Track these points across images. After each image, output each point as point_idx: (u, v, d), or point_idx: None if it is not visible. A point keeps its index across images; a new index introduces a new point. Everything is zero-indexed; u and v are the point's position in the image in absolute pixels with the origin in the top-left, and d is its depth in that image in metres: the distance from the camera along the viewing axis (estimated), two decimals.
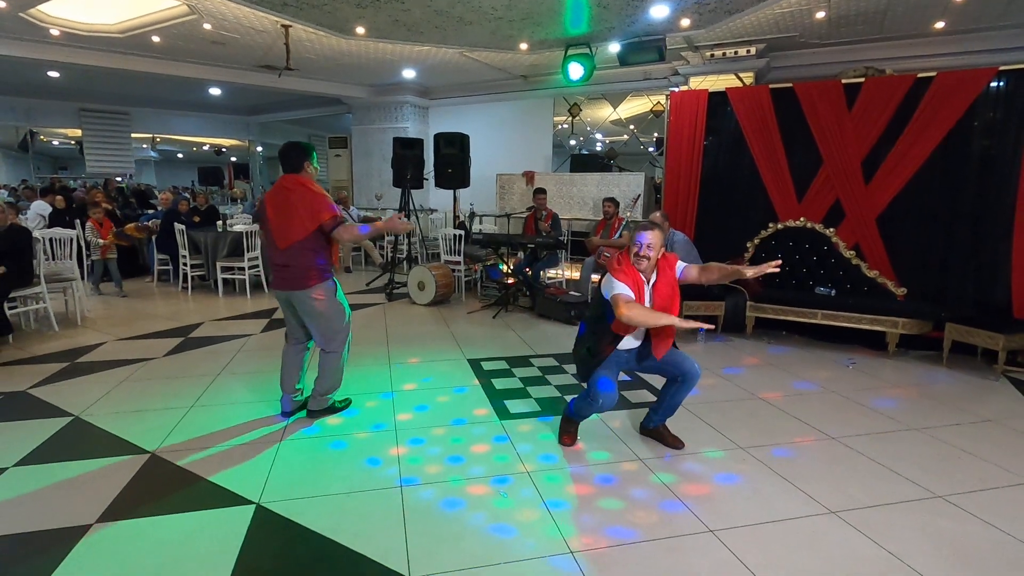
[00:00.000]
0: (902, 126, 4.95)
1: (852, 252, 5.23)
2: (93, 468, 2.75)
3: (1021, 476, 2.81)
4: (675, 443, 3.08)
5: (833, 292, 5.17)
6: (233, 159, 19.70)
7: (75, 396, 3.64)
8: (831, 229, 5.31)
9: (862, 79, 5.17)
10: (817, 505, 2.52)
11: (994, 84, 4.67)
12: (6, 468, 2.74)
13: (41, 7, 6.20)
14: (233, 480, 2.64)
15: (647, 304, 2.77)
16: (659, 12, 5.40)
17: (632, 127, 10.50)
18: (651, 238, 2.75)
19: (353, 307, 3.55)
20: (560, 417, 3.20)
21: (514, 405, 3.63)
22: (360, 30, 6.19)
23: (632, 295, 2.65)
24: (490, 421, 3.38)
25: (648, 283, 2.81)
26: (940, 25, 6.24)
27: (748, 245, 5.64)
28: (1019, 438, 3.27)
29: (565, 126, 10.59)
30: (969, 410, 3.69)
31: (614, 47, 6.52)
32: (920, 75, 4.89)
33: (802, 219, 5.42)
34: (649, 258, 2.74)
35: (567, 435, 3.10)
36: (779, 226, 5.52)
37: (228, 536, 2.22)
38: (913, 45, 6.72)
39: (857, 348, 5.03)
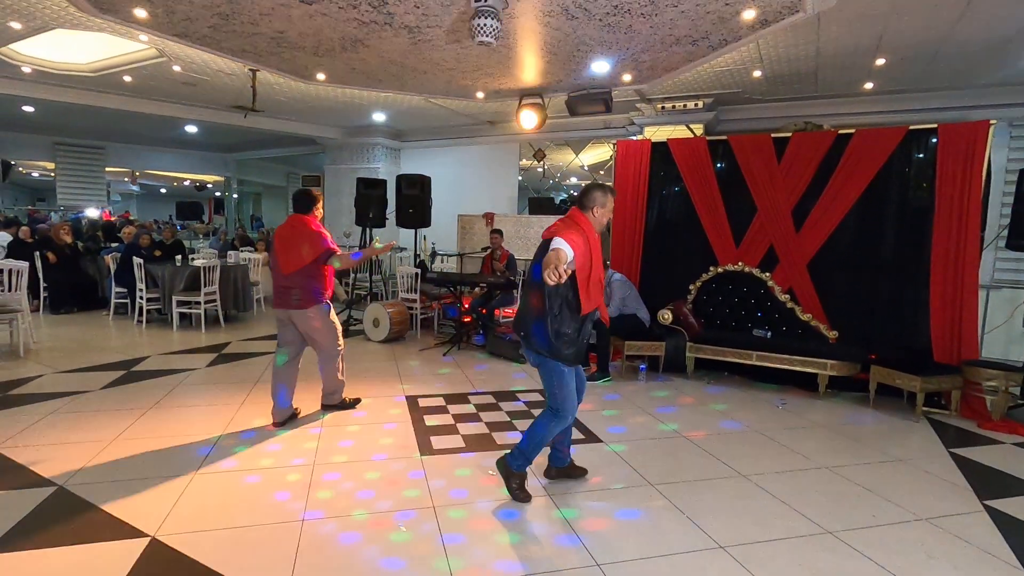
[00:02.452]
0: (827, 178, 5.25)
1: (787, 296, 5.44)
2: None
3: (913, 513, 2.91)
4: (581, 472, 3.18)
5: (769, 334, 5.35)
6: (217, 193, 19.91)
7: None
8: (767, 273, 5.53)
9: (790, 134, 5.50)
10: (708, 540, 2.58)
11: (909, 142, 5.01)
12: None
13: (11, 46, 6.39)
14: (134, 513, 2.64)
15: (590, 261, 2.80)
16: (600, 67, 5.74)
17: (602, 172, 10.91)
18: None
19: None
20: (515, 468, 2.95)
21: (439, 441, 3.67)
22: (321, 76, 6.46)
23: (571, 257, 2.66)
24: (410, 456, 3.42)
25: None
26: (869, 86, 6.69)
27: (690, 287, 5.84)
28: (923, 477, 3.38)
29: (539, 170, 10.96)
30: (883, 450, 3.81)
31: (564, 98, 6.86)
32: (841, 131, 5.23)
33: (740, 263, 5.65)
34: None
35: (524, 490, 2.92)
36: (719, 270, 5.74)
37: (112, 570, 2.21)
38: (847, 103, 7.17)
39: (792, 389, 5.16)
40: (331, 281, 3.97)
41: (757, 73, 6.33)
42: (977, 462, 3.65)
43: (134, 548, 2.36)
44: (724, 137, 5.79)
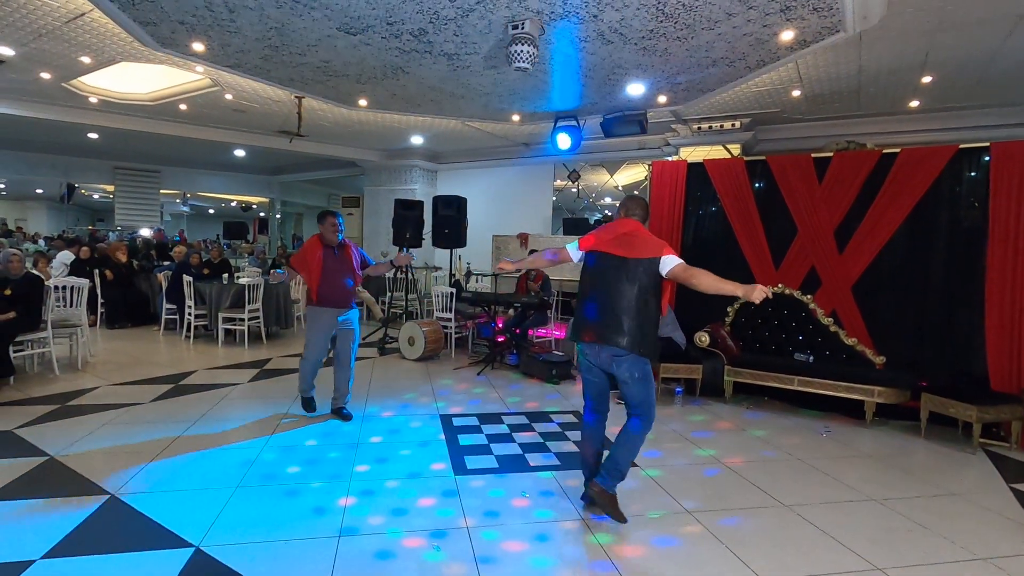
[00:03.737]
0: (871, 199, 5.11)
1: (830, 319, 5.27)
2: (54, 506, 2.88)
3: (970, 551, 2.75)
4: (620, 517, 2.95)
5: (811, 358, 5.18)
6: (262, 214, 20.76)
7: (56, 437, 3.81)
8: (808, 296, 5.38)
9: (831, 154, 5.39)
10: (749, 572, 2.50)
11: (958, 161, 4.84)
12: None
13: (81, 78, 6.88)
14: (180, 523, 2.74)
15: None
16: (635, 90, 5.78)
17: (636, 192, 10.89)
18: None
19: None
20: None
21: (473, 461, 3.68)
22: (363, 102, 6.72)
23: None
24: (445, 475, 3.44)
25: None
26: (915, 104, 6.51)
27: (728, 309, 5.73)
28: (979, 513, 3.20)
29: (574, 190, 11.01)
30: (936, 483, 3.62)
31: (599, 120, 6.91)
32: (885, 151, 5.09)
33: (780, 285, 5.51)
34: None
35: (619, 510, 2.89)
36: None
37: None
38: (892, 121, 6.99)
39: (836, 416, 4.97)
40: (311, 288, 4.32)
41: (796, 92, 6.26)
42: None
43: (179, 558, 2.45)
44: (763, 157, 5.71)
